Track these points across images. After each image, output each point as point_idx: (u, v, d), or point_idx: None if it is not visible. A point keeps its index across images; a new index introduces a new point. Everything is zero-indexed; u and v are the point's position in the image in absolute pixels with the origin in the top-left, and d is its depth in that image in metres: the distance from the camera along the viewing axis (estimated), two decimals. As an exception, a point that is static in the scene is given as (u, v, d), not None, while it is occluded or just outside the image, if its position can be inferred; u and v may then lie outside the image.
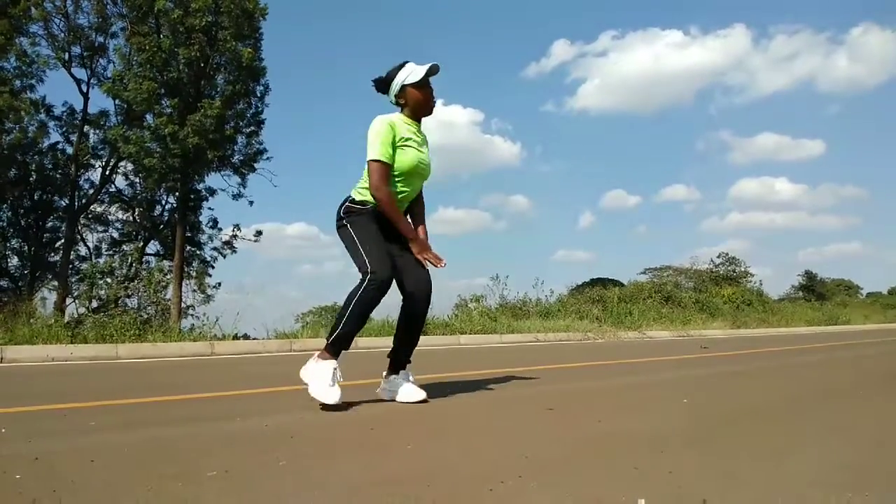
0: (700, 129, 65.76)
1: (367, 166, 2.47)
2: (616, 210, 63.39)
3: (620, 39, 62.78)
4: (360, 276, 2.37)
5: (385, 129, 2.46)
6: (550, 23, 71.52)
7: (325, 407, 2.31)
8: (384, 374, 2.65)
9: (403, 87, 2.54)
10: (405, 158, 2.50)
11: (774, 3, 70.17)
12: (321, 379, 2.32)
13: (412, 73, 2.54)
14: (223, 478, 1.38)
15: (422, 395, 2.52)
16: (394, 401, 2.54)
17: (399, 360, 2.61)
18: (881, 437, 1.98)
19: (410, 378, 2.60)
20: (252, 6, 18.08)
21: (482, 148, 52.79)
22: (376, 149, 2.44)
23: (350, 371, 2.72)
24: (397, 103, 2.62)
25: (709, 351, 6.59)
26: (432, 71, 2.56)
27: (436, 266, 2.57)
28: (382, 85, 2.61)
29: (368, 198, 2.50)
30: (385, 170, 2.46)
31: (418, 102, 2.56)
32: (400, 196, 2.55)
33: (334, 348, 2.38)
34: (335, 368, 2.33)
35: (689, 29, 65.85)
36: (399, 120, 2.55)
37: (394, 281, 2.45)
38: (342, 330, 2.35)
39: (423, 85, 2.56)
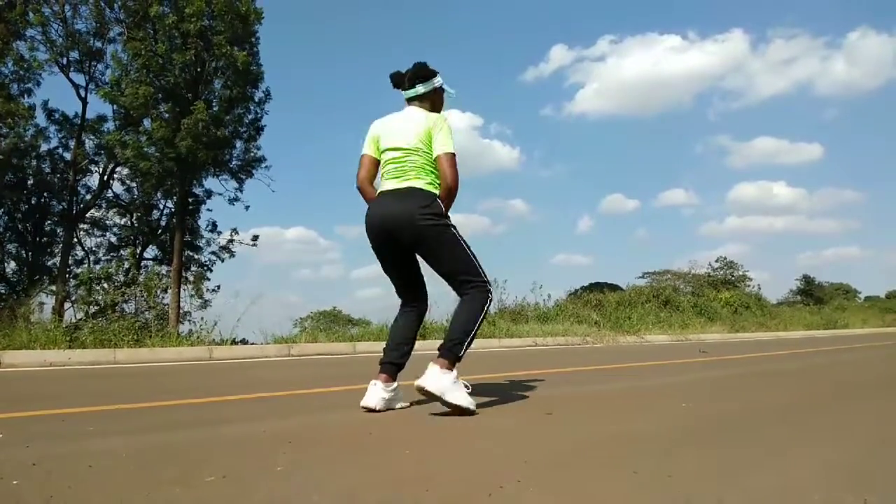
0: (698, 133, 66.08)
1: (444, 159, 2.48)
2: (615, 214, 63.53)
3: (618, 44, 63.13)
4: (478, 288, 2.45)
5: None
6: (548, 28, 71.80)
7: (465, 412, 2.32)
8: (392, 382, 2.49)
9: (442, 88, 2.67)
10: None
11: (772, 8, 70.56)
12: (462, 391, 2.37)
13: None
14: (221, 483, 1.37)
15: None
16: (391, 409, 2.46)
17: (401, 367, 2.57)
18: (880, 439, 1.98)
19: None
20: (246, 9, 18.11)
21: (481, 152, 52.92)
22: (453, 142, 2.51)
23: (350, 374, 2.71)
24: (423, 96, 2.63)
25: (707, 355, 6.59)
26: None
27: None
28: (425, 72, 2.65)
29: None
30: None
31: (440, 104, 2.68)
32: None
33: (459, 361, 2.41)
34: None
35: (687, 33, 66.12)
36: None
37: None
38: (471, 342, 2.42)
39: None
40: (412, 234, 2.43)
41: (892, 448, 1.88)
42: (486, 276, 2.49)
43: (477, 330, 2.42)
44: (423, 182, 2.47)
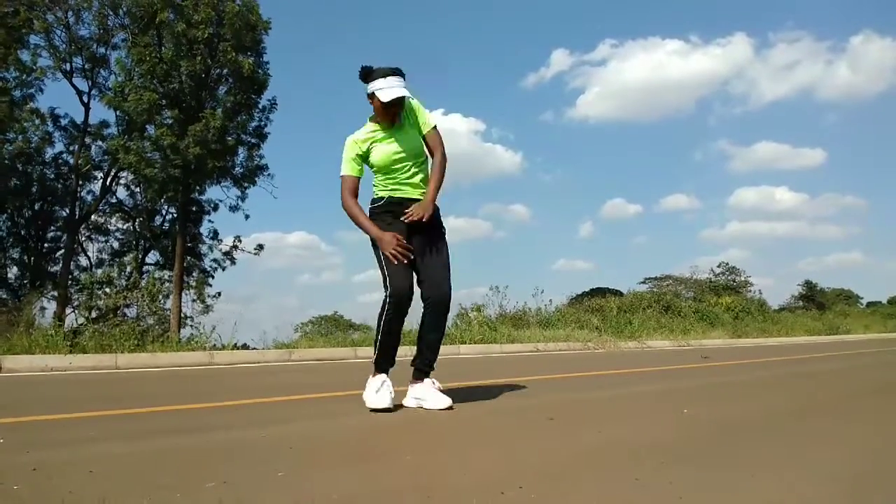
0: (700, 137, 65.58)
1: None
2: (616, 219, 63.11)
3: (619, 48, 62.87)
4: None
5: (348, 145, 2.72)
6: (549, 32, 71.56)
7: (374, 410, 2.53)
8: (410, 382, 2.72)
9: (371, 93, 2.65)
10: (375, 157, 2.69)
11: (775, 12, 70.07)
12: (371, 389, 2.61)
13: (379, 87, 2.59)
14: (221, 489, 1.37)
15: (447, 401, 2.58)
16: (421, 408, 2.61)
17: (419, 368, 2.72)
18: (878, 449, 1.97)
19: (436, 384, 2.68)
20: (255, 19, 18.19)
21: (483, 157, 52.59)
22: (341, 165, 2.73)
23: (350, 380, 2.72)
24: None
25: (709, 361, 6.57)
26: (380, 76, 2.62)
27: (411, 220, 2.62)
28: (365, 76, 2.67)
29: (381, 194, 2.75)
30: (346, 183, 2.71)
31: (377, 110, 2.69)
32: (393, 184, 2.71)
33: (377, 366, 2.66)
34: (384, 381, 2.60)
35: (689, 37, 65.76)
36: (363, 131, 2.73)
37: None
38: (377, 345, 2.66)
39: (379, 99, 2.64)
40: None
41: (888, 459, 1.87)
42: (388, 283, 2.56)
43: (378, 337, 2.60)
44: None
